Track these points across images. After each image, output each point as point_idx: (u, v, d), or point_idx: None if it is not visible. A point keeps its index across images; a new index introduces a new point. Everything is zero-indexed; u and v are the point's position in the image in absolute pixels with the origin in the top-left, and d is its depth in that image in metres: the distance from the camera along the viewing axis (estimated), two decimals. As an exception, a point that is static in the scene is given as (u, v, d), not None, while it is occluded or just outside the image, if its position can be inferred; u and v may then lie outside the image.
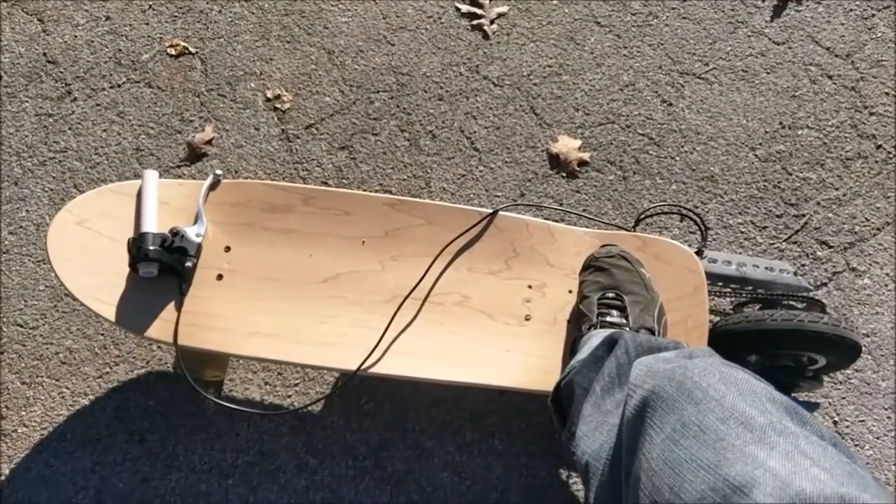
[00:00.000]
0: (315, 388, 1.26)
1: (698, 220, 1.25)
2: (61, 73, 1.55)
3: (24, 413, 1.26)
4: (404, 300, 1.08)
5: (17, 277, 1.36)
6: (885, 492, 0.51)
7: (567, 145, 1.45)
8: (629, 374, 0.79)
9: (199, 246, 1.08)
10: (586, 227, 1.21)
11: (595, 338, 0.93)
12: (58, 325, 1.32)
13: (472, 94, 1.52)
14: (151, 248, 1.02)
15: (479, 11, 1.59)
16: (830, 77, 1.51)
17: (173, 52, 1.56)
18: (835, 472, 0.51)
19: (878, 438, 1.25)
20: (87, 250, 1.08)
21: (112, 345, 1.30)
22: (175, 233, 1.06)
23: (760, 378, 0.67)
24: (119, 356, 1.29)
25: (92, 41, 1.58)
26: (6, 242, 1.39)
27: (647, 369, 0.75)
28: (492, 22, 1.58)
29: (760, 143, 1.46)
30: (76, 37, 1.59)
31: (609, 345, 0.89)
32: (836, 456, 0.54)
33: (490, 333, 1.08)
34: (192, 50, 1.57)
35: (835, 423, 1.26)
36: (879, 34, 1.55)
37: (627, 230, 1.18)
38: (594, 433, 0.81)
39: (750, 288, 1.18)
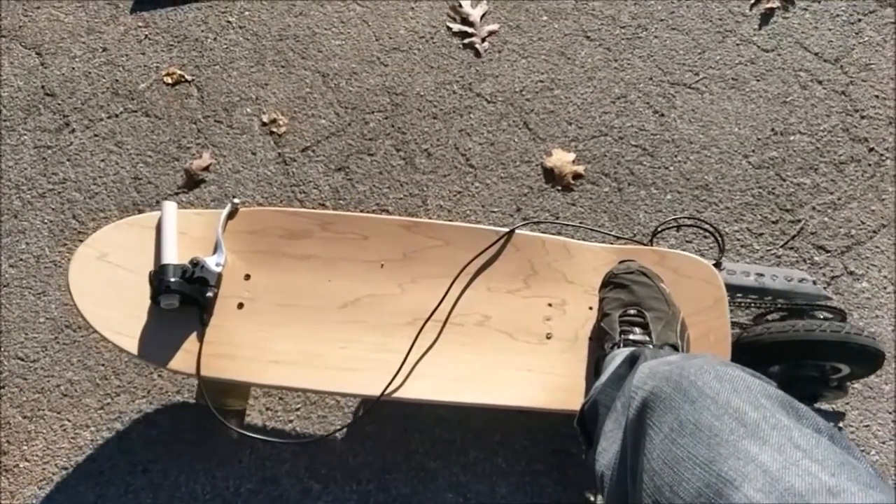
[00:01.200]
0: (317, 413, 1.21)
1: (715, 231, 1.19)
2: (59, 104, 1.51)
3: (25, 448, 1.21)
4: (425, 322, 1.03)
5: (17, 310, 1.31)
6: (878, 480, 0.49)
7: (561, 159, 1.40)
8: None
9: (220, 275, 1.04)
10: (602, 242, 1.16)
11: (618, 357, 0.89)
12: (59, 358, 1.27)
13: (466, 111, 1.47)
14: (172, 279, 0.99)
15: (470, 30, 1.55)
16: (820, 82, 1.47)
17: (170, 81, 1.52)
18: (826, 463, 0.50)
19: (883, 443, 1.19)
20: (109, 284, 1.04)
21: (113, 375, 1.25)
22: (195, 263, 1.02)
23: (758, 375, 0.64)
24: (120, 386, 1.24)
25: (89, 72, 1.54)
26: (6, 275, 1.34)
27: (648, 371, 0.73)
28: (483, 40, 1.54)
29: (753, 150, 1.41)
30: (73, 69, 1.55)
31: (631, 362, 0.85)
32: (829, 447, 0.52)
33: (511, 353, 1.03)
34: (189, 78, 1.52)
35: (839, 428, 1.20)
36: (866, 38, 1.50)
37: (645, 245, 1.13)
38: (610, 446, 0.78)
39: (769, 298, 1.13)
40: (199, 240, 1.07)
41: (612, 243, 1.19)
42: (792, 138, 1.42)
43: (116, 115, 1.49)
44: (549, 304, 1.06)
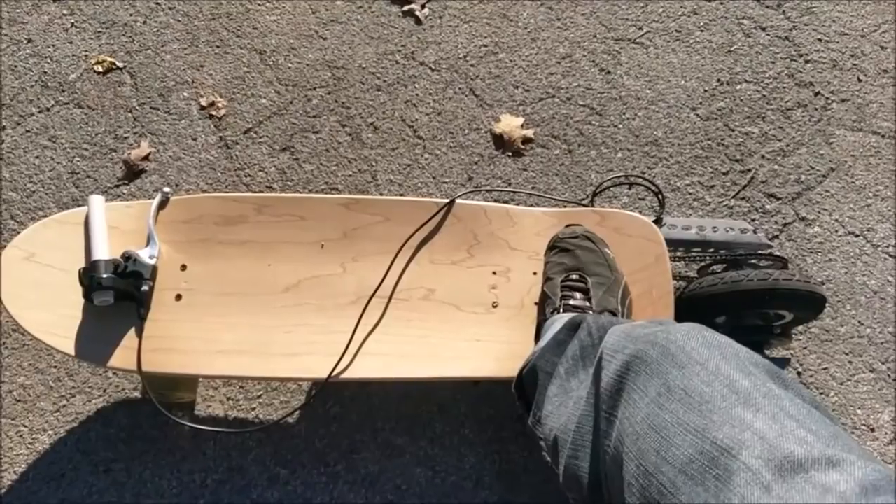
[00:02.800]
0: (279, 398, 1.18)
1: (654, 187, 1.18)
2: (-15, 102, 1.43)
3: (-21, 458, 1.16)
4: (369, 300, 1.01)
5: (-41, 319, 1.25)
6: (866, 452, 0.49)
7: (510, 124, 1.37)
8: (594, 356, 0.74)
9: (154, 268, 1.00)
10: (545, 206, 1.13)
11: (557, 322, 0.88)
12: (9, 363, 1.22)
13: (410, 81, 1.43)
14: (104, 275, 0.95)
15: (409, -3, 1.49)
16: (763, 29, 1.44)
17: (100, 69, 1.44)
18: (820, 433, 0.49)
19: (841, 384, 1.20)
20: (39, 285, 0.99)
21: (66, 377, 1.20)
22: (127, 257, 0.98)
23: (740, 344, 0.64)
24: (75, 387, 1.20)
25: (15, 66, 1.46)
26: (-55, 283, 1.28)
27: (624, 335, 0.70)
28: (423, 6, 1.48)
29: (700, 103, 1.39)
30: (-3, 63, 1.46)
31: (571, 328, 0.85)
32: (819, 418, 0.52)
33: (459, 324, 1.01)
34: (120, 65, 1.45)
35: (798, 373, 1.21)
36: (808, -19, 1.48)
37: (585, 206, 1.11)
38: (559, 409, 0.77)
39: (712, 250, 1.12)
40: (131, 233, 1.03)
41: (554, 206, 1.17)
42: (738, 87, 1.40)
43: (48, 109, 1.42)
44: (494, 273, 1.04)
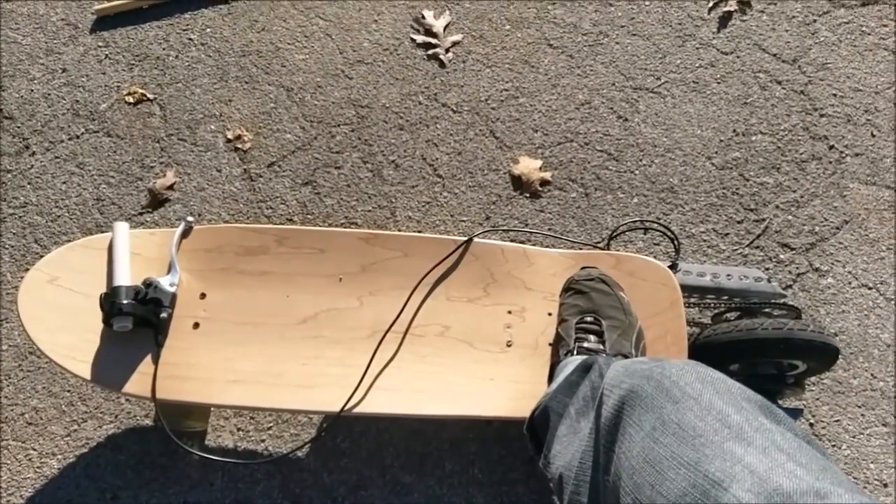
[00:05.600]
0: (289, 431, 1.16)
1: (670, 233, 1.17)
2: (18, 127, 1.44)
3: (-12, 481, 1.14)
4: (385, 335, 0.99)
5: (-22, 339, 1.24)
6: (856, 488, 0.49)
7: (528, 166, 1.36)
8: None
9: (174, 295, 1.00)
10: (561, 248, 1.12)
11: (570, 364, 0.86)
12: (23, 385, 1.20)
13: (432, 121, 1.43)
14: (125, 301, 0.94)
15: (433, 41, 1.50)
16: (779, 82, 1.45)
17: (131, 100, 1.46)
18: (810, 467, 0.49)
19: (853, 437, 1.17)
20: (60, 308, 0.98)
21: (79, 401, 1.19)
22: (148, 284, 0.97)
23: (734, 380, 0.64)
24: (87, 412, 1.18)
25: (49, 94, 1.48)
26: (-34, 303, 1.27)
27: (623, 370, 0.71)
28: (447, 50, 1.50)
29: (716, 152, 1.39)
30: (32, 90, 1.48)
31: (584, 370, 0.83)
32: (810, 452, 0.52)
33: (473, 362, 0.99)
34: (151, 96, 1.46)
35: (811, 425, 1.17)
36: (822, 38, 1.48)
37: (601, 249, 1.10)
38: (566, 449, 0.76)
39: (725, 298, 1.10)
40: (153, 260, 1.02)
41: (570, 248, 1.16)
42: (754, 138, 1.40)
43: (77, 137, 1.43)
44: (509, 312, 1.02)
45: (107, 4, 1.54)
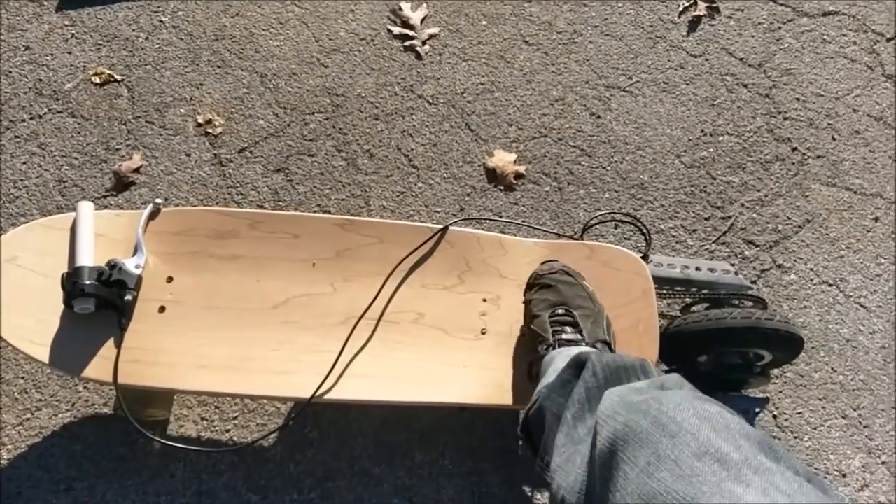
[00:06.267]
0: (255, 421, 1.12)
1: (641, 225, 1.17)
2: (-24, 104, 1.37)
3: (-68, 470, 1.07)
4: (358, 321, 0.97)
5: (-75, 321, 1.17)
6: None
7: (503, 159, 1.36)
8: (599, 399, 0.71)
9: (140, 278, 0.95)
10: (535, 237, 1.12)
11: (559, 359, 0.84)
12: (-27, 371, 1.14)
13: (408, 112, 1.42)
14: (88, 282, 0.89)
15: (410, 33, 1.49)
16: (745, 86, 1.48)
17: (98, 81, 1.40)
18: None
19: (814, 429, 1.19)
20: (19, 289, 0.93)
21: (34, 388, 1.13)
22: (113, 265, 0.93)
23: (733, 412, 0.62)
24: (42, 400, 1.12)
25: (10, 72, 1.41)
26: (-86, 284, 1.20)
27: (619, 399, 0.68)
28: (424, 43, 1.49)
29: (685, 151, 1.41)
30: (-8, 67, 1.41)
31: (576, 366, 0.81)
32: (811, 492, 0.51)
33: (447, 350, 0.97)
34: (118, 78, 1.41)
35: (774, 416, 1.19)
36: (787, 45, 1.52)
37: (575, 239, 1.09)
38: (567, 464, 0.73)
39: (694, 290, 1.11)
40: (119, 242, 0.98)
41: (544, 238, 1.15)
42: (721, 139, 1.42)
43: (40, 116, 1.37)
44: (484, 300, 1.01)
45: (74, -17, 1.48)
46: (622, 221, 1.31)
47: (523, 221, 1.31)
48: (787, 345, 1.02)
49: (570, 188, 1.35)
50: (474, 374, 0.96)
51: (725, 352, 1.05)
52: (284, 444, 1.10)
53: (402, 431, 1.12)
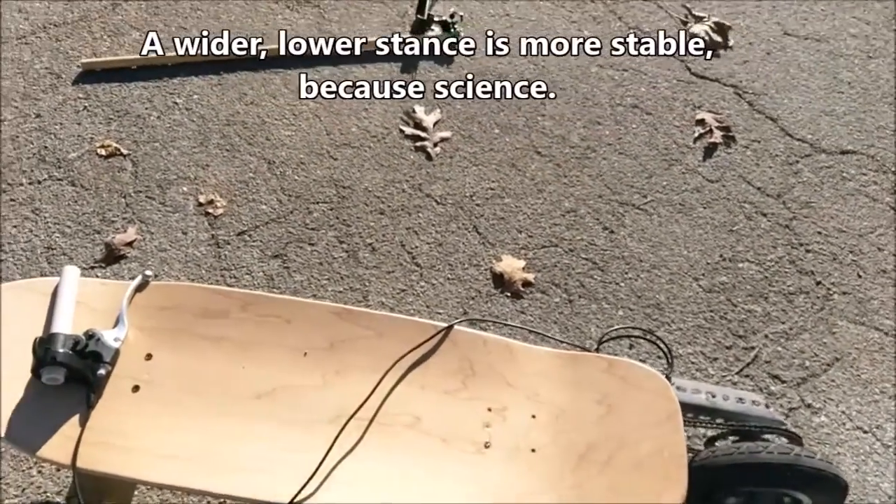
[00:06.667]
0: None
1: (664, 345, 1.07)
2: (-26, 165, 1.33)
3: None
4: (348, 421, 0.85)
5: None
6: None
7: (512, 265, 1.29)
8: None
9: (117, 351, 0.85)
10: (548, 346, 1.02)
11: None
12: None
13: (415, 210, 1.37)
14: (61, 350, 0.80)
15: (422, 134, 1.48)
16: (764, 214, 1.43)
17: (103, 153, 1.37)
18: None
19: None
20: None
21: (-39, 473, 0.98)
22: (90, 336, 0.83)
23: None
24: (-33, 488, 0.97)
25: (17, 136, 1.39)
26: None
27: None
28: (435, 145, 1.47)
29: (703, 274, 1.33)
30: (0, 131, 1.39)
31: None
32: None
33: (445, 461, 0.84)
34: (125, 152, 1.38)
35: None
36: (805, 178, 1.50)
37: (591, 351, 0.99)
38: None
39: (720, 420, 0.99)
40: (100, 312, 0.89)
41: (559, 348, 1.05)
42: (740, 265, 1.36)
43: (39, 182, 1.32)
44: (489, 409, 0.89)
45: (95, 59, 1.50)
46: (642, 338, 1.21)
47: (534, 329, 1.21)
48: (830, 489, 0.88)
49: (582, 301, 1.27)
50: (474, 492, 0.83)
51: (758, 493, 0.91)
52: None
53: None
